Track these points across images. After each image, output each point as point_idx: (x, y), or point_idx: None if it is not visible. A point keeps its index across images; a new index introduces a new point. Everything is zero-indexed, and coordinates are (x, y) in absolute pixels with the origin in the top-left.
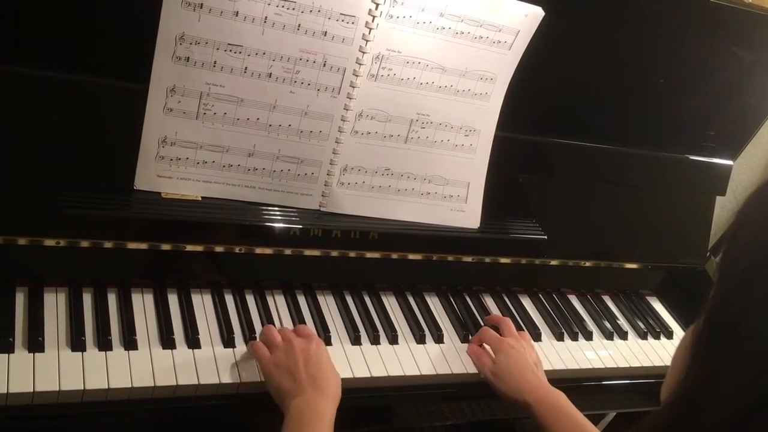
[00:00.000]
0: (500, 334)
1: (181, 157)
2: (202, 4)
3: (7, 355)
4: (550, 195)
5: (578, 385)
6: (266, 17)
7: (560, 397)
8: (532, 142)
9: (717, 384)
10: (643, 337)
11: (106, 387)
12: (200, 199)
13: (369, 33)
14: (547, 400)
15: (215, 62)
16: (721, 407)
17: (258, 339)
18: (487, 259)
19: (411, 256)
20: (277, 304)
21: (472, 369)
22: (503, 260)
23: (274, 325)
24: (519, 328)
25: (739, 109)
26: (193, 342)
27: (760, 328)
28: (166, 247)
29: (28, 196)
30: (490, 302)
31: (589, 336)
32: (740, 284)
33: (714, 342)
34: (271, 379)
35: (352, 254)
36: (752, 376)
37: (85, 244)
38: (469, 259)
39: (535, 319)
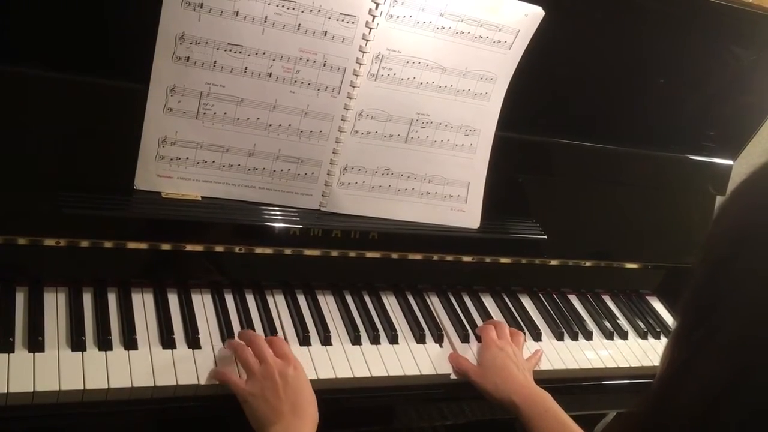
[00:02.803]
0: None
1: (181, 157)
2: (202, 3)
3: (7, 354)
4: (550, 195)
5: (578, 385)
6: (266, 17)
7: (547, 398)
8: (532, 142)
9: (688, 374)
10: (644, 336)
11: (106, 387)
12: (200, 198)
13: (369, 33)
14: (534, 401)
15: (215, 62)
16: (691, 397)
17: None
18: (487, 259)
19: (411, 256)
20: (277, 304)
21: None
22: (503, 260)
23: (274, 325)
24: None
25: (739, 109)
26: (193, 342)
27: (729, 318)
28: (166, 247)
29: (28, 196)
30: (490, 302)
31: (589, 336)
32: (711, 276)
33: (687, 333)
34: (248, 407)
35: (352, 254)
36: (722, 365)
37: (85, 244)
38: (469, 258)
39: (535, 319)
